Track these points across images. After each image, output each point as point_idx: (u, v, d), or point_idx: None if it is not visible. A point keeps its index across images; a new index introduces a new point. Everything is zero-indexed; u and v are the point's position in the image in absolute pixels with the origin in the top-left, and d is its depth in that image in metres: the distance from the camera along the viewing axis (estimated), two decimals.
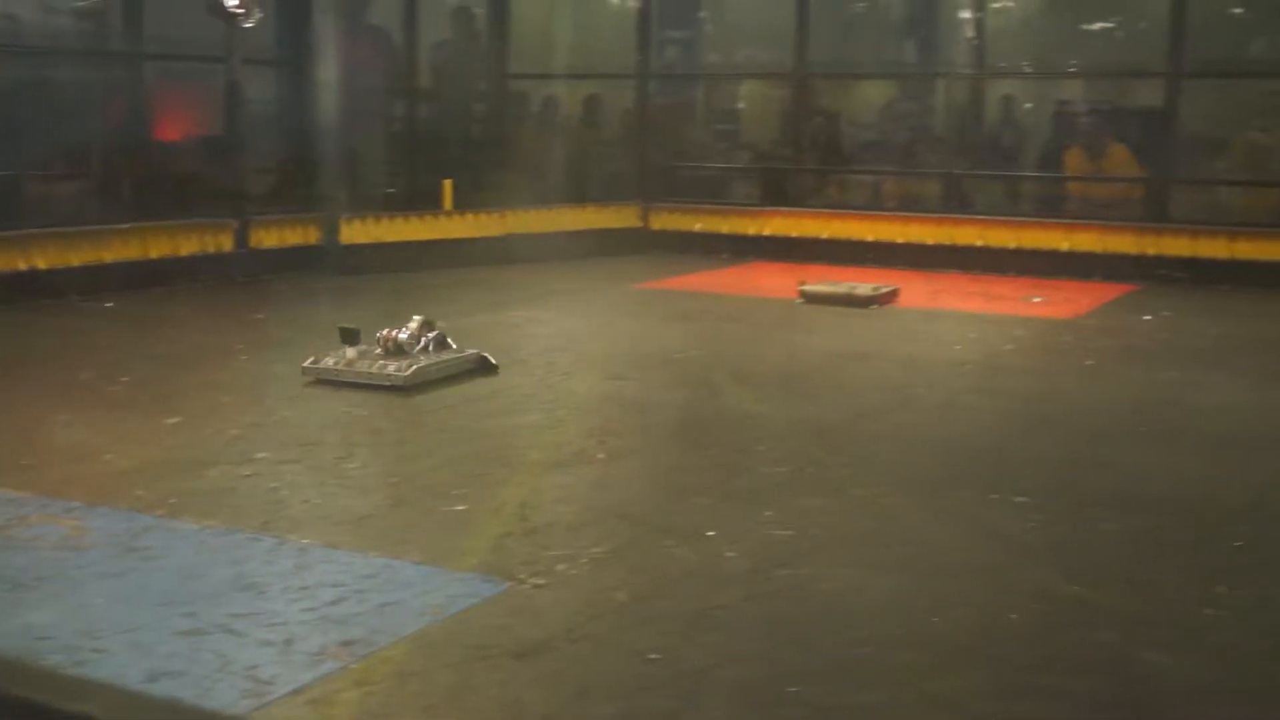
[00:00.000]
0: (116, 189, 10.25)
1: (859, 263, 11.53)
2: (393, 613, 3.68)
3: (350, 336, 6.64)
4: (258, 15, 10.11)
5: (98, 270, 9.29)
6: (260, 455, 5.22)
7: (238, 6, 9.91)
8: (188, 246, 9.96)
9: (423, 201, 11.42)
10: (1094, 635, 3.61)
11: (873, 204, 12.49)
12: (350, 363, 6.53)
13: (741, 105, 14.70)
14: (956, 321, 8.83)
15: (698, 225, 12.56)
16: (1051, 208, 11.91)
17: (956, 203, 11.83)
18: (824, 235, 12.02)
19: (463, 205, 11.54)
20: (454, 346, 6.85)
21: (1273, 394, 6.77)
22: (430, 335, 6.76)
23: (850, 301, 9.14)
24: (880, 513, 4.68)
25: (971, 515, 4.67)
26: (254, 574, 3.96)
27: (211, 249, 10.09)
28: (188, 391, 6.38)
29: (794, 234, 12.15)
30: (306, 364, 6.59)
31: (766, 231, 12.29)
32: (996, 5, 12.45)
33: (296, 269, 10.28)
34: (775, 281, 10.33)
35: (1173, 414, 6.30)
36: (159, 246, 9.78)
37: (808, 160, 12.79)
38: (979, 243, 11.47)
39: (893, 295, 9.42)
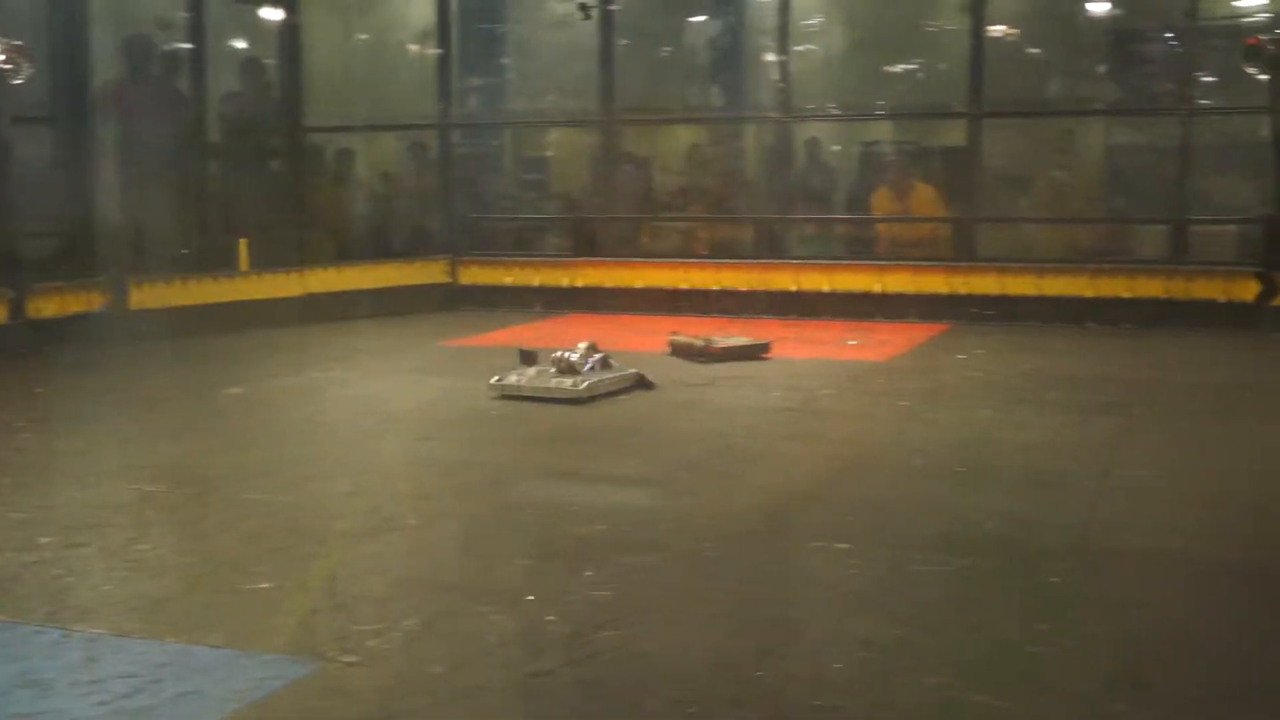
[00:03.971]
0: None
1: (675, 311, 11.66)
2: (193, 701, 3.55)
3: (529, 358, 8.06)
4: (29, 70, 9.75)
5: None
6: (45, 540, 5.00)
7: (5, 62, 9.56)
8: None
9: (217, 262, 11.18)
10: (922, 680, 3.67)
11: (685, 251, 12.65)
12: (531, 379, 7.78)
13: (549, 153, 14.78)
14: (774, 367, 8.98)
15: (508, 278, 12.55)
16: (863, 249, 12.24)
17: (768, 247, 12.06)
18: (638, 285, 12.12)
19: (260, 264, 11.33)
20: (615, 366, 8.00)
21: (1083, 429, 7.03)
22: (596, 357, 7.92)
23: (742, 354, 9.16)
24: (702, 567, 4.70)
25: (793, 564, 4.73)
26: (39, 669, 3.77)
27: None
28: None
29: (607, 284, 12.22)
30: (492, 381, 7.79)
31: (579, 283, 12.34)
32: (800, 49, 12.78)
33: (81, 338, 9.89)
34: (590, 333, 10.30)
35: (989, 453, 6.49)
36: None
37: (619, 208, 12.91)
38: (793, 287, 11.70)
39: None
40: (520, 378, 7.83)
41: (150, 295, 10.64)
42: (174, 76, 11.78)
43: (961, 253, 11.49)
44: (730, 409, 7.57)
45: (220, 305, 10.96)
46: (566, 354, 7.89)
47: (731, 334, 9.82)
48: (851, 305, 11.44)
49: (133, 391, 8.33)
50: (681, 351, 9.26)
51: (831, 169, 13.21)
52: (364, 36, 14.39)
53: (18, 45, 9.66)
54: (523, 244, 13.16)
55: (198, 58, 11.67)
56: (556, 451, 6.61)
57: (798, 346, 9.99)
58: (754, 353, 9.27)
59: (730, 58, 14.33)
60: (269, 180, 12.60)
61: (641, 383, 7.95)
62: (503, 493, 5.79)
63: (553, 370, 7.85)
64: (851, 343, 10.14)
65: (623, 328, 10.64)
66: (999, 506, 5.45)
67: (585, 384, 7.63)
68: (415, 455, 6.53)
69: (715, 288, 11.93)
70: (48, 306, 10.05)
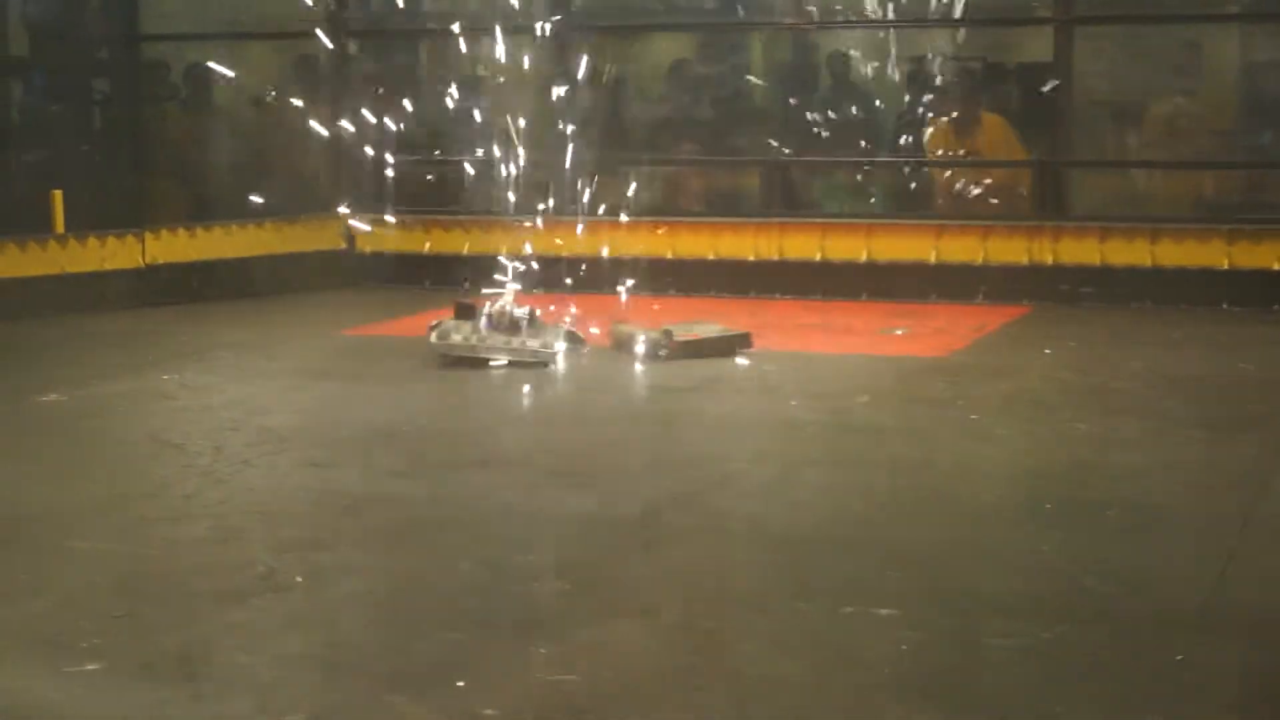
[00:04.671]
0: None
1: (658, 289, 11.64)
2: None
3: (466, 311, 8.88)
4: None
5: None
6: None
7: None
8: None
9: (22, 221, 11.11)
10: None
11: (669, 207, 12.63)
12: (483, 338, 8.68)
13: (483, 72, 14.75)
14: (791, 366, 8.98)
15: (428, 244, 12.51)
16: (913, 204, 12.24)
17: (783, 201, 12.04)
18: (605, 252, 12.09)
19: (82, 225, 11.26)
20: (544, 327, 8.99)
21: (1216, 450, 7.05)
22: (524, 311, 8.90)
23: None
24: (697, 641, 4.70)
25: (820, 637, 4.72)
26: None
27: None
28: None
29: (564, 252, 12.19)
30: (431, 339, 8.71)
31: (526, 249, 12.30)
32: None
33: None
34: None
35: (1087, 483, 6.50)
36: None
37: (579, 148, 12.88)
38: (817, 255, 11.70)
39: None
40: (467, 336, 8.69)
41: None
42: None
43: (1047, 208, 11.50)
44: (730, 424, 7.58)
45: (27, 281, 10.90)
46: (505, 308, 8.78)
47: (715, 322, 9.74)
48: (897, 280, 11.44)
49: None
50: (626, 347, 9.15)
51: (868, 95, 13.21)
52: None
53: None
54: (449, 197, 13.11)
55: None
56: (496, 480, 6.60)
57: (824, 337, 9.99)
58: (726, 347, 9.20)
59: None
60: (93, 109, 12.53)
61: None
62: (423, 537, 5.78)
63: (484, 326, 8.75)
64: (897, 332, 10.15)
65: (579, 310, 10.61)
66: (1101, 557, 5.46)
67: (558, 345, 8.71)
68: (304, 487, 6.51)
69: (711, 256, 11.91)
70: None
